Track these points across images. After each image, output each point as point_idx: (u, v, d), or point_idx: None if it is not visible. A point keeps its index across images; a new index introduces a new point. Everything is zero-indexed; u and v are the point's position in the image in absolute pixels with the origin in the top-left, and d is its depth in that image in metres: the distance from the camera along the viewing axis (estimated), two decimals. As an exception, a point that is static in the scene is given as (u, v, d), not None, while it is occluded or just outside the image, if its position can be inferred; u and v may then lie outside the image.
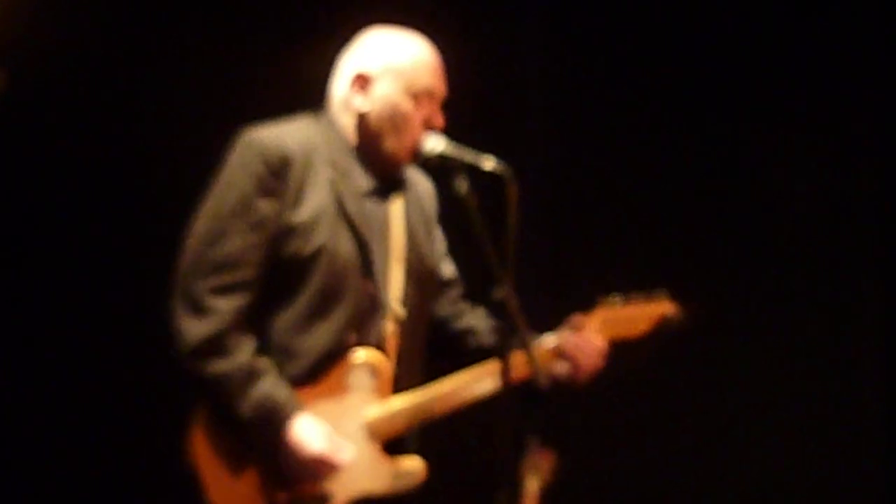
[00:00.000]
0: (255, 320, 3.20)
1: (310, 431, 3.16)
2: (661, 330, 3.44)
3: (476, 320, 3.52)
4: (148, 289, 3.43)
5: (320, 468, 3.18)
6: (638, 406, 5.18)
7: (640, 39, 5.26)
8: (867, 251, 5.30)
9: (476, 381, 3.31)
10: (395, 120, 3.27)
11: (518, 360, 3.03)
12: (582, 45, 5.28)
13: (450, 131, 3.29)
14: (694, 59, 5.26)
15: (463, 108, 3.43)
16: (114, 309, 4.68)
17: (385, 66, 3.29)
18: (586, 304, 3.41)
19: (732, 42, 5.27)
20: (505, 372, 3.00)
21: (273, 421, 3.14)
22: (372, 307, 3.26)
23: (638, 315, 3.44)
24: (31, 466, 4.70)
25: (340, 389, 3.24)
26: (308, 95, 3.46)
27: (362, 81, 3.30)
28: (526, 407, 3.04)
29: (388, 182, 3.35)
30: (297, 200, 3.20)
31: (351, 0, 4.23)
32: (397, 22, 3.40)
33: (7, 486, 4.68)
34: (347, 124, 3.32)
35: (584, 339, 3.36)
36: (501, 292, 3.00)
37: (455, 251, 3.56)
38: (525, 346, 3.05)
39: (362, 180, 3.30)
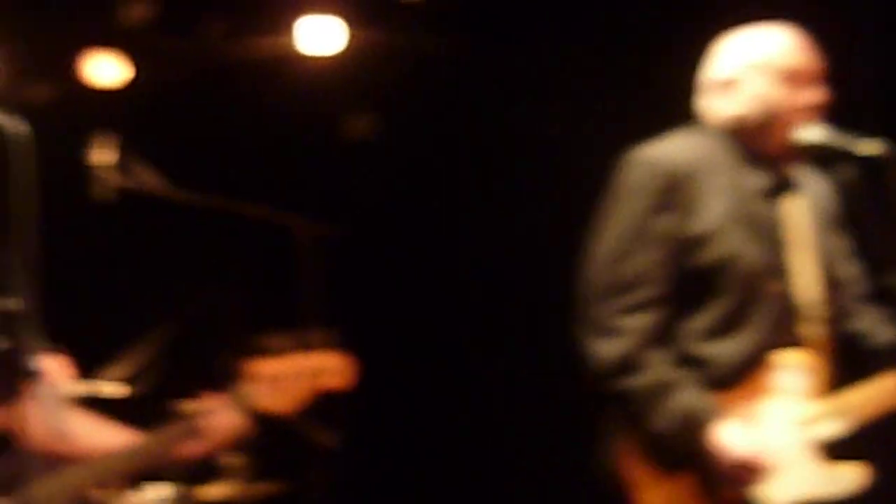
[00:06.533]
0: (666, 334, 3.17)
1: (730, 436, 3.10)
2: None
3: (871, 322, 3.40)
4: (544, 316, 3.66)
5: (745, 473, 3.11)
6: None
7: None
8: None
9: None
10: (772, 112, 3.23)
11: None
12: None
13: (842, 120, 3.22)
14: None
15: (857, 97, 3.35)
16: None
17: (746, 64, 3.26)
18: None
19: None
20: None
21: (690, 430, 3.09)
22: (791, 310, 3.19)
23: None
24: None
25: (765, 393, 3.17)
26: (676, 111, 3.44)
27: (728, 86, 3.27)
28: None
29: (780, 181, 3.28)
30: (694, 210, 3.17)
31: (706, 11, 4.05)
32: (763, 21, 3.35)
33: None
34: (726, 132, 3.29)
35: None
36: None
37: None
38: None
39: (755, 181, 3.25)
